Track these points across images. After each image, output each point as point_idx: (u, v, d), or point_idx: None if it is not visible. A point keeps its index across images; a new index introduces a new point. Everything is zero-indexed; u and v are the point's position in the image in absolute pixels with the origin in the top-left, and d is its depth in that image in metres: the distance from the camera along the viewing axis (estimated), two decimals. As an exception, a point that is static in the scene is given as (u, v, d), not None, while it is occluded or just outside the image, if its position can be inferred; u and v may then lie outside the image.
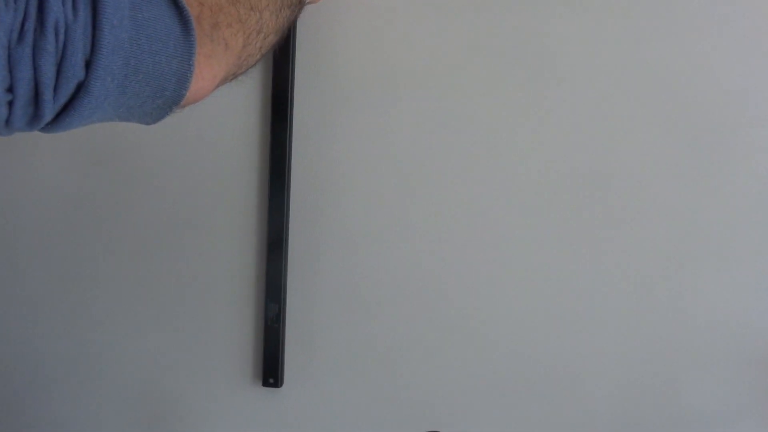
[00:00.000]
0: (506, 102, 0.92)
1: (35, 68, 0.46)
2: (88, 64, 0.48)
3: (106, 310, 1.03)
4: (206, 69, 0.58)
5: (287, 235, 0.98)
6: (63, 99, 0.49)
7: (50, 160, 1.02)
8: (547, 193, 0.93)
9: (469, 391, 0.98)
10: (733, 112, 0.89)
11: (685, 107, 0.89)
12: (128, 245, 1.02)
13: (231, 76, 0.66)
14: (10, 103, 0.47)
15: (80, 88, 0.49)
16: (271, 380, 1.00)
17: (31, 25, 0.46)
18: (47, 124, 0.50)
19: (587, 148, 0.92)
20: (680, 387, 0.94)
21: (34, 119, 0.49)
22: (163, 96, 0.55)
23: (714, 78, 0.89)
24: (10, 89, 0.46)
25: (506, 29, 0.91)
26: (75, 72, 0.48)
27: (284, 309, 0.99)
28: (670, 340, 0.93)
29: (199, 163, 0.99)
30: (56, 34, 0.46)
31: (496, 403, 0.97)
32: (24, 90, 0.46)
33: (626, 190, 0.91)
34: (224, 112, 0.98)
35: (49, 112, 0.48)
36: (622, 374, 0.94)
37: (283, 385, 1.01)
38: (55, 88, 0.48)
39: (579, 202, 0.92)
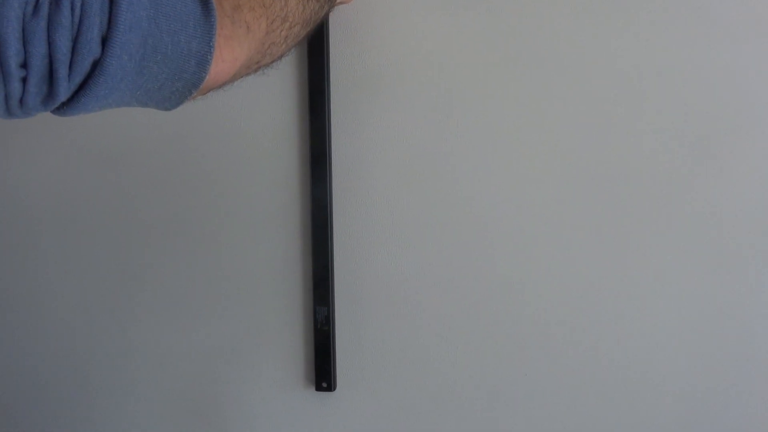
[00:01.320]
0: (549, 90, 0.90)
1: (50, 43, 0.46)
2: (105, 41, 0.48)
3: (154, 313, 1.04)
4: (226, 51, 0.57)
5: (332, 235, 0.97)
6: (78, 77, 0.48)
7: (95, 156, 1.03)
8: (612, 192, 0.90)
9: (526, 393, 0.95)
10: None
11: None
12: (175, 247, 1.02)
13: (255, 65, 0.65)
14: (24, 80, 0.46)
15: (96, 67, 0.48)
16: (324, 384, 0.99)
17: None
18: (63, 105, 0.50)
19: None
20: (750, 396, 0.90)
21: (48, 98, 0.48)
22: (183, 78, 0.54)
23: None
24: (24, 65, 0.45)
25: (545, 23, 0.90)
26: (91, 48, 0.47)
27: (333, 312, 0.98)
28: (741, 348, 0.89)
29: (242, 164, 0.99)
30: (72, 9, 0.46)
31: (555, 409, 0.94)
32: (38, 65, 0.46)
33: (681, 190, 0.88)
34: (262, 110, 0.98)
35: (64, 91, 0.48)
36: (690, 382, 0.91)
37: (336, 389, 0.99)
38: (71, 66, 0.47)
39: (646, 204, 0.90)
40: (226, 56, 0.57)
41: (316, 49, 0.95)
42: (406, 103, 0.94)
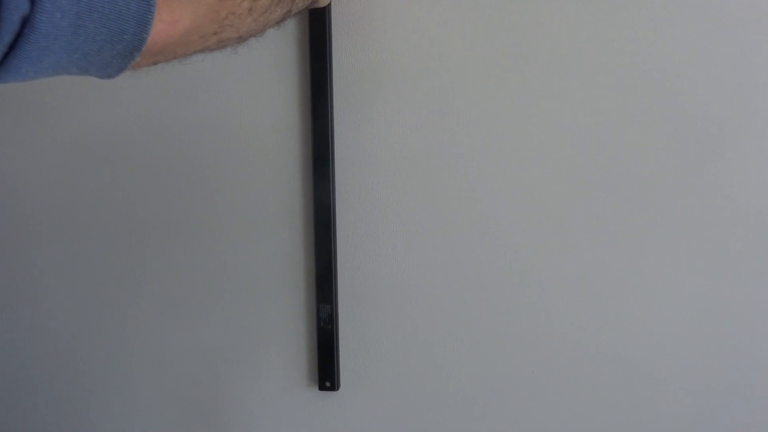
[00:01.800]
0: (554, 85, 0.89)
1: None
2: None
3: (154, 313, 1.03)
4: (165, 11, 0.55)
5: (335, 232, 0.95)
6: (7, 36, 0.46)
7: (93, 155, 1.03)
8: (615, 186, 0.88)
9: (531, 391, 0.92)
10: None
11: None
12: (176, 246, 1.01)
13: (212, 36, 0.63)
14: None
15: (26, 24, 0.46)
16: (327, 384, 0.97)
17: None
18: None
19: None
20: (751, 395, 0.88)
21: None
22: (123, 40, 0.52)
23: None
24: None
25: (548, 18, 0.88)
26: (18, 3, 0.45)
27: (336, 310, 0.96)
28: (744, 347, 0.87)
29: (243, 162, 0.98)
30: None
31: (561, 407, 0.92)
32: None
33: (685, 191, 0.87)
34: (263, 107, 0.97)
35: None
36: (692, 381, 0.89)
37: (340, 389, 0.97)
38: None
39: (649, 198, 0.88)
40: (165, 17, 0.55)
41: (318, 45, 0.94)
42: (409, 99, 0.92)
